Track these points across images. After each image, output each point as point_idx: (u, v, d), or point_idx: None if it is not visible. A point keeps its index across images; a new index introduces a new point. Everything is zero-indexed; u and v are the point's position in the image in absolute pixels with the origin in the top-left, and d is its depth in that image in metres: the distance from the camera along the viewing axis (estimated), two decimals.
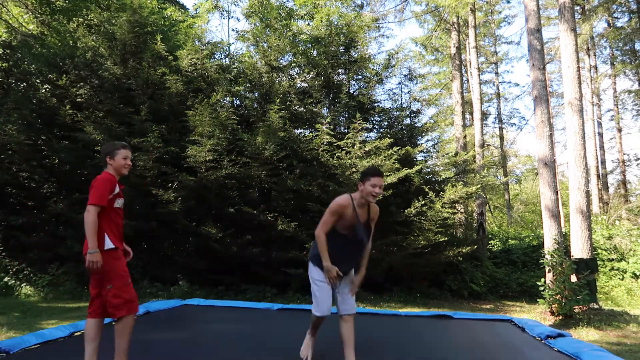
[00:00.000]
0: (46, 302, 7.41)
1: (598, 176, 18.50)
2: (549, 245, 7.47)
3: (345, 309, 2.97)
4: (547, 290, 6.75)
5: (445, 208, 8.36)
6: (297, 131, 9.46)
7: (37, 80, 9.34)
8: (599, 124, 19.68)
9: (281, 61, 10.24)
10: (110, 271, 2.79)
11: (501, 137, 23.30)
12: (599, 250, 10.87)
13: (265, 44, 10.56)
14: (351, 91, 10.02)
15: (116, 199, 2.88)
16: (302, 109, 9.49)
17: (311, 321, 3.17)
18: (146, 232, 8.39)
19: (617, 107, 19.99)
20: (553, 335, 4.19)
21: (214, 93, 8.87)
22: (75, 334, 3.87)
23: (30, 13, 12.29)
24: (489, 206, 19.58)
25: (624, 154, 19.79)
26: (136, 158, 8.06)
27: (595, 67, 19.76)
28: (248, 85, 9.71)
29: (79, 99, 8.85)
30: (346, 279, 3.02)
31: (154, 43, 9.32)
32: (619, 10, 16.70)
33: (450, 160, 10.00)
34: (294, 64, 10.40)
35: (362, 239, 2.94)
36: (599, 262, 10.17)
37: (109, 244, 2.80)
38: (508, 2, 26.42)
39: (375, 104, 10.22)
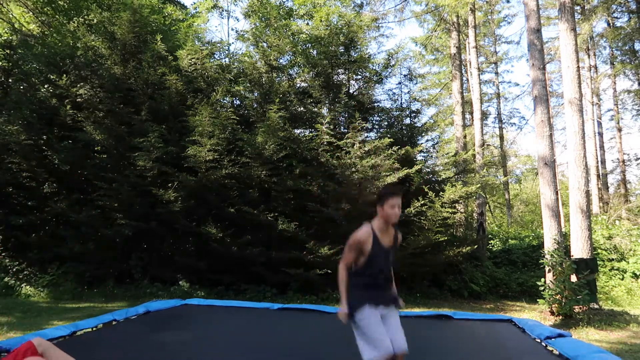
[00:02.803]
0: (46, 302, 7.41)
1: (598, 176, 18.50)
2: (549, 245, 7.47)
3: (397, 345, 2.60)
4: (547, 290, 6.75)
5: (445, 208, 8.35)
6: (297, 131, 9.46)
7: (37, 80, 9.34)
8: (599, 124, 19.68)
9: (281, 61, 10.24)
10: None
11: (501, 137, 23.29)
12: (599, 250, 10.87)
13: (265, 44, 10.56)
14: (351, 91, 10.02)
15: None
16: (301, 108, 9.49)
17: None
18: (146, 232, 8.40)
19: (617, 107, 19.98)
20: (553, 336, 4.19)
21: (214, 93, 8.88)
22: (77, 333, 3.87)
23: (30, 13, 12.28)
24: (489, 206, 19.58)
25: (624, 153, 19.78)
26: (136, 158, 8.07)
27: (595, 67, 19.75)
28: (248, 85, 9.71)
29: (79, 99, 8.85)
30: (389, 312, 2.75)
31: (154, 43, 9.32)
32: (619, 10, 16.70)
33: (450, 160, 10.00)
34: (293, 64, 10.40)
35: (382, 269, 2.76)
36: (599, 262, 10.17)
37: None
38: (508, 1, 26.46)
39: (375, 104, 10.22)
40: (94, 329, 3.99)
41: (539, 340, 4.24)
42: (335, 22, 10.35)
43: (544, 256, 7.55)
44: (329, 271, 7.62)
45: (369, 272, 2.71)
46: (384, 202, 2.70)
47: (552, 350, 3.84)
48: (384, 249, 2.74)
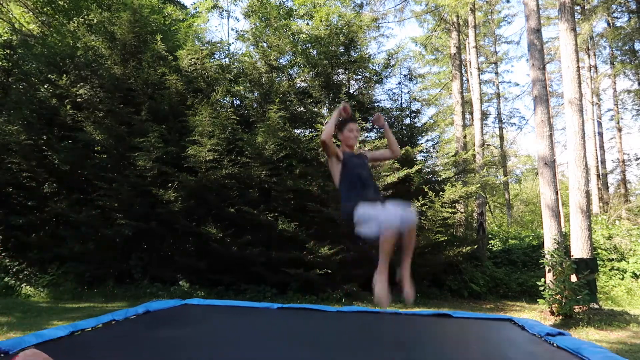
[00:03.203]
0: (46, 302, 7.41)
1: (598, 176, 18.50)
2: (549, 245, 7.48)
3: (405, 218, 2.64)
4: (547, 290, 6.76)
5: (445, 208, 8.36)
6: (297, 131, 9.46)
7: (37, 80, 9.34)
8: (599, 124, 19.68)
9: (281, 61, 10.24)
10: None
11: (501, 137, 23.29)
12: (599, 250, 10.87)
13: (265, 44, 10.56)
14: (351, 91, 10.03)
15: None
16: (301, 108, 9.50)
17: (383, 250, 2.62)
18: (146, 232, 8.40)
19: (617, 107, 19.98)
20: (553, 334, 4.18)
21: (214, 93, 8.88)
22: (75, 333, 3.87)
23: (30, 13, 12.29)
24: (489, 206, 19.58)
25: (624, 153, 19.78)
26: (136, 158, 8.07)
27: (595, 67, 19.75)
28: (248, 85, 9.72)
29: (79, 99, 8.85)
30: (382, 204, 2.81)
31: (154, 43, 9.32)
32: (619, 10, 16.70)
33: (450, 160, 10.00)
34: (293, 64, 10.40)
35: (361, 173, 2.99)
36: (599, 262, 10.17)
37: None
38: (508, 1, 26.43)
39: (375, 104, 10.23)
40: (93, 329, 3.99)
41: (539, 337, 4.23)
42: (335, 22, 10.36)
43: (544, 256, 7.55)
44: (329, 271, 7.62)
45: (350, 177, 2.97)
46: (343, 127, 3.06)
47: (552, 346, 3.83)
48: (354, 155, 3.08)
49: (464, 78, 16.53)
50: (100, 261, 8.33)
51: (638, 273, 10.21)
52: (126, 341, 3.74)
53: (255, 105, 9.50)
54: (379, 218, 2.63)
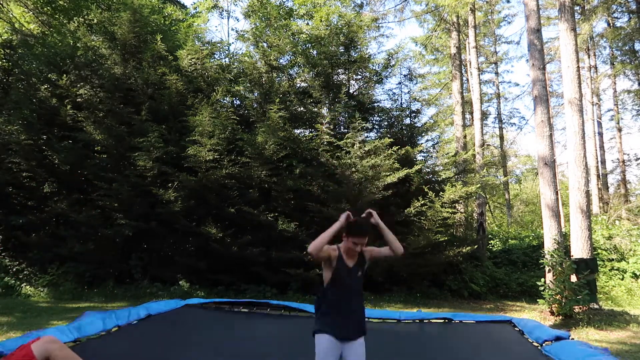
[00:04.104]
0: (46, 302, 7.41)
1: (598, 176, 18.49)
2: (549, 245, 7.47)
3: None
4: (547, 290, 6.75)
5: (445, 208, 8.35)
6: (297, 131, 9.46)
7: (38, 80, 9.34)
8: (599, 124, 19.67)
9: (281, 61, 10.24)
10: None
11: (501, 137, 23.28)
12: (599, 250, 10.86)
13: (265, 44, 10.56)
14: (351, 91, 10.02)
15: None
16: (301, 108, 9.49)
17: None
18: (146, 232, 8.39)
19: (617, 107, 19.97)
20: (551, 339, 4.18)
21: (214, 93, 8.88)
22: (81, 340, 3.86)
23: (31, 13, 12.28)
24: (489, 206, 19.57)
25: (624, 154, 19.77)
26: (136, 158, 8.07)
27: (595, 67, 19.74)
28: (248, 85, 9.71)
29: (79, 99, 8.85)
30: (353, 344, 2.68)
31: (154, 43, 9.32)
32: (619, 10, 16.70)
33: (450, 160, 9.99)
34: (293, 64, 10.40)
35: (347, 289, 2.72)
36: (599, 262, 10.16)
37: None
38: (508, 1, 26.46)
39: (375, 104, 10.22)
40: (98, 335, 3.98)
41: (537, 345, 4.22)
42: (335, 22, 10.36)
43: (544, 256, 7.55)
44: None
45: (334, 292, 2.70)
46: (349, 235, 2.70)
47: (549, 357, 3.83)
48: (348, 268, 2.74)
49: (464, 78, 16.53)
50: (100, 261, 8.32)
51: (638, 273, 10.21)
52: (128, 345, 3.74)
53: (255, 105, 9.50)
54: None
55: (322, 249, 2.59)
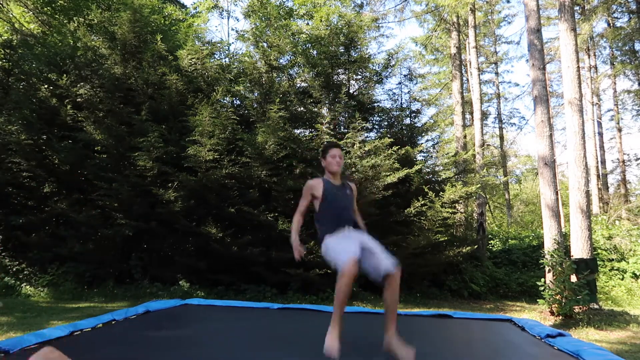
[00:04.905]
0: (46, 302, 7.41)
1: (598, 176, 18.50)
2: (549, 245, 7.47)
3: (384, 268, 2.69)
4: (547, 290, 6.76)
5: (445, 208, 8.36)
6: (297, 131, 9.46)
7: (38, 80, 9.34)
8: (599, 124, 19.69)
9: (281, 61, 10.24)
10: None
11: (501, 137, 23.30)
12: (599, 250, 10.87)
13: (265, 44, 10.56)
14: (351, 91, 10.02)
15: None
16: (302, 108, 9.49)
17: (337, 296, 2.57)
18: (146, 232, 8.40)
19: (617, 107, 19.98)
20: (553, 335, 4.18)
21: (214, 93, 8.88)
22: (75, 333, 3.86)
23: (31, 13, 12.29)
24: (489, 206, 19.57)
25: (624, 154, 19.79)
26: (136, 158, 8.07)
27: (595, 67, 19.75)
28: (248, 85, 9.71)
29: (79, 99, 8.85)
30: (359, 233, 2.92)
31: (154, 43, 9.32)
32: (619, 10, 16.72)
33: (450, 160, 10.00)
34: (293, 64, 10.40)
35: (343, 206, 2.96)
36: (599, 262, 10.17)
37: None
38: (508, 1, 26.46)
39: (375, 104, 10.22)
40: (93, 329, 3.99)
41: (538, 338, 4.23)
42: (335, 22, 10.35)
43: (544, 256, 7.55)
44: (329, 271, 7.61)
45: (330, 211, 2.95)
46: (325, 154, 3.02)
47: (552, 348, 3.83)
48: (338, 187, 2.99)
49: (464, 78, 16.54)
50: (100, 261, 8.33)
51: (638, 273, 10.21)
52: (126, 341, 3.74)
53: (255, 105, 9.50)
54: (343, 251, 2.61)
55: (305, 204, 3.01)
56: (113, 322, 4.37)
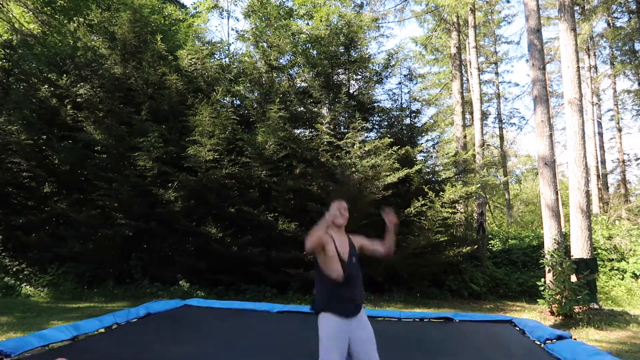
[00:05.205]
0: (46, 302, 7.41)
1: (598, 176, 18.49)
2: (549, 245, 7.47)
3: None
4: (547, 290, 6.75)
5: (445, 208, 8.35)
6: (297, 131, 9.45)
7: (38, 80, 9.34)
8: (599, 124, 19.67)
9: (281, 61, 10.24)
10: None
11: (501, 137, 23.28)
12: (599, 250, 10.86)
13: (265, 44, 10.55)
14: (351, 91, 10.01)
15: None
16: (301, 108, 9.49)
17: None
18: (146, 232, 8.39)
19: (617, 107, 19.97)
20: (552, 338, 4.18)
21: (214, 93, 8.88)
22: (79, 337, 3.86)
23: (31, 13, 12.28)
24: (489, 206, 19.57)
25: (624, 153, 19.77)
26: (136, 158, 8.07)
27: (595, 67, 19.74)
28: (248, 85, 9.71)
29: (79, 99, 8.85)
30: (359, 323, 2.75)
31: (154, 43, 9.31)
32: (619, 10, 16.71)
33: (450, 160, 9.99)
34: (293, 64, 10.39)
35: (348, 270, 2.76)
36: (599, 262, 10.16)
37: None
38: (508, 1, 26.45)
39: (375, 104, 10.21)
40: (96, 332, 3.98)
41: (538, 343, 4.22)
42: (335, 22, 10.34)
43: (544, 256, 7.55)
44: None
45: (336, 278, 2.74)
46: (330, 207, 2.86)
47: (551, 356, 3.82)
48: (343, 249, 2.82)
49: (464, 78, 16.53)
50: (100, 261, 8.33)
51: (638, 273, 10.21)
52: (127, 343, 3.74)
53: (255, 105, 9.49)
54: (331, 354, 2.55)
55: (318, 242, 2.69)
56: (114, 327, 4.36)
